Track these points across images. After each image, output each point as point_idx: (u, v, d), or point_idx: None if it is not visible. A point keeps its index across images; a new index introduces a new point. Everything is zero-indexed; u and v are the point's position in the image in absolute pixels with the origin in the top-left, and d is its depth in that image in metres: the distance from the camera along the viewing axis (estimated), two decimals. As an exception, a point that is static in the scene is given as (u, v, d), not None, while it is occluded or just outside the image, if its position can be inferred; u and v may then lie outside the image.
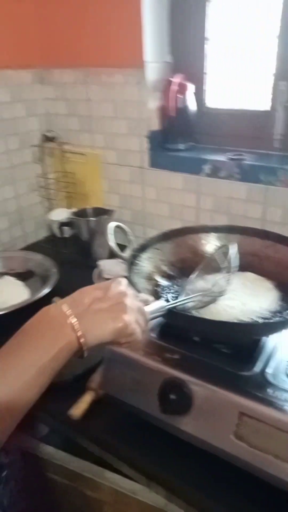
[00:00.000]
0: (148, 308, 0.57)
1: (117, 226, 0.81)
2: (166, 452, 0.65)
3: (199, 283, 0.73)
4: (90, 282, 1.14)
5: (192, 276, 0.75)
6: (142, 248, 0.80)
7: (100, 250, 1.25)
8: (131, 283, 0.68)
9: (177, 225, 0.91)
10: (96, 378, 0.75)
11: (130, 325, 0.50)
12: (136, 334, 0.51)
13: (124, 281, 0.55)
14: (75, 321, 0.47)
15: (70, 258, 1.29)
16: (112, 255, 0.98)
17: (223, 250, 0.75)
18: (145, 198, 1.30)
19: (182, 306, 0.66)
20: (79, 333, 0.47)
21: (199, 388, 0.61)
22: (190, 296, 0.68)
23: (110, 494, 0.70)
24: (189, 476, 0.61)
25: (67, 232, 1.33)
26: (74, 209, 1.32)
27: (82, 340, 0.47)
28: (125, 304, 0.51)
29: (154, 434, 0.66)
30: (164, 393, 0.63)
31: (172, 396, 0.62)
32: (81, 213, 1.30)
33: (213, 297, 0.71)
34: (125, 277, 0.59)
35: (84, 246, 1.27)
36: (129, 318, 0.50)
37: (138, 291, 0.63)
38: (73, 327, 0.47)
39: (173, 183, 1.21)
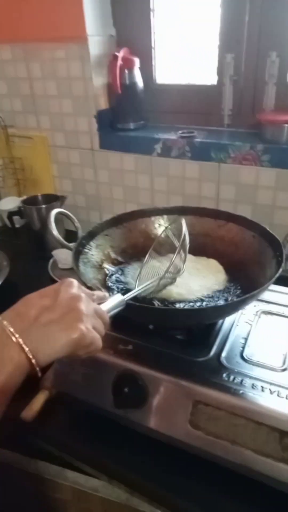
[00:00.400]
0: (106, 306, 0.52)
1: (61, 213, 0.76)
2: (125, 447, 0.62)
3: (154, 265, 0.70)
4: (45, 274, 1.10)
5: (145, 260, 0.72)
6: (90, 236, 0.75)
7: (54, 239, 1.19)
8: (79, 275, 0.64)
9: (133, 208, 0.87)
10: (50, 376, 0.71)
11: (88, 334, 0.44)
12: (95, 343, 0.46)
13: (74, 282, 0.49)
14: (21, 339, 0.41)
15: (23, 249, 1.23)
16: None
17: (174, 227, 0.73)
18: (98, 182, 1.24)
19: (142, 291, 0.62)
20: (28, 353, 0.41)
21: (153, 379, 0.59)
22: (147, 283, 0.64)
23: (72, 494, 0.68)
24: (149, 470, 0.59)
25: (18, 221, 1.26)
26: (24, 197, 1.25)
27: (33, 360, 0.41)
28: (79, 310, 0.45)
29: (111, 430, 0.64)
30: (118, 387, 0.60)
31: (127, 390, 0.59)
32: (32, 201, 1.23)
33: (171, 278, 0.68)
34: (72, 268, 0.54)
35: (37, 236, 1.21)
36: (85, 326, 0.44)
37: (91, 288, 0.58)
38: (20, 346, 0.41)
39: (125, 165, 1.16)
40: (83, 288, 0.50)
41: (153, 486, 0.59)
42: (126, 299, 0.56)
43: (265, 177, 0.96)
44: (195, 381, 0.57)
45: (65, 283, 0.49)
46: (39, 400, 0.68)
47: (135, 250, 0.80)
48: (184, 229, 0.67)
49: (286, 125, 0.92)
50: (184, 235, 0.66)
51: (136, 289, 0.61)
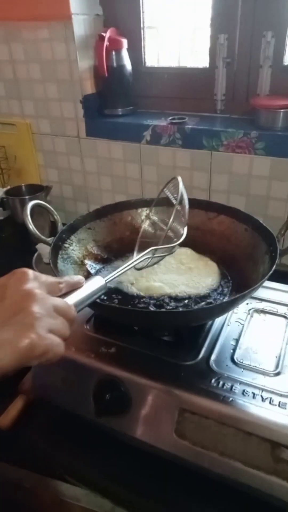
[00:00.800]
0: (78, 296, 0.43)
1: (39, 205, 0.70)
2: (106, 457, 0.59)
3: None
4: (29, 268, 1.05)
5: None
6: (71, 229, 0.70)
7: (39, 232, 1.14)
8: (57, 273, 0.59)
9: (122, 199, 0.82)
10: (28, 380, 0.66)
11: (40, 342, 0.35)
12: (52, 350, 0.36)
13: (28, 274, 0.39)
14: None
15: (6, 242, 1.18)
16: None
17: (171, 187, 0.64)
18: (85, 171, 1.19)
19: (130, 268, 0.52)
20: None
21: (136, 385, 0.54)
22: (139, 256, 0.53)
23: (53, 503, 0.64)
24: (132, 481, 0.56)
25: (1, 213, 1.20)
26: (8, 188, 1.19)
27: None
28: (30, 312, 0.36)
29: (93, 438, 0.60)
30: (99, 394, 0.56)
31: (108, 396, 0.55)
32: (15, 192, 1.18)
33: (168, 249, 0.57)
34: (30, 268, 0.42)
35: (21, 229, 1.15)
36: (38, 332, 0.35)
37: (60, 274, 0.50)
38: None
39: (113, 153, 1.10)
40: (44, 277, 0.41)
41: (137, 498, 0.55)
42: (107, 281, 0.46)
43: (259, 166, 0.91)
44: (182, 388, 0.53)
45: (15, 275, 0.39)
46: (16, 406, 0.65)
47: (120, 244, 0.75)
48: (181, 187, 0.58)
49: (281, 110, 0.87)
50: (182, 194, 0.57)
51: (124, 266, 0.50)
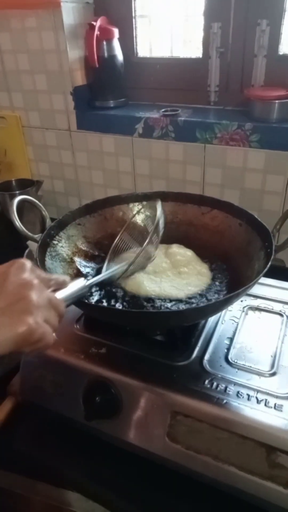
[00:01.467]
0: (64, 293, 0.45)
1: (26, 201, 0.68)
2: (98, 461, 0.57)
3: (125, 254, 0.64)
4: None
5: (114, 243, 0.65)
6: (60, 226, 0.68)
7: (29, 228, 1.11)
8: (42, 266, 0.57)
9: (114, 194, 0.79)
10: (17, 382, 0.64)
11: (37, 329, 0.38)
12: (45, 338, 0.39)
13: (27, 264, 0.42)
14: None
15: (-4, 238, 1.14)
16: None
17: (150, 210, 0.66)
18: (76, 165, 1.16)
19: (108, 278, 0.56)
20: None
21: (127, 387, 0.53)
22: (115, 268, 0.58)
23: (45, 509, 0.63)
24: (124, 485, 0.54)
25: (-9, 209, 1.17)
26: (-3, 182, 1.16)
27: None
28: (30, 301, 0.38)
29: (84, 442, 0.58)
30: (89, 396, 0.54)
31: (98, 399, 0.53)
32: (5, 187, 1.15)
33: (141, 264, 0.62)
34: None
35: (11, 225, 1.12)
36: (35, 320, 0.38)
37: (48, 271, 0.51)
38: None
39: (105, 146, 1.07)
40: (38, 271, 0.43)
41: (128, 503, 0.53)
42: (88, 284, 0.49)
43: (254, 159, 0.89)
44: (174, 389, 0.51)
45: (15, 264, 0.41)
46: (4, 408, 0.62)
47: (111, 241, 0.72)
48: (159, 213, 0.60)
49: (276, 101, 0.85)
50: (158, 220, 0.60)
51: (102, 274, 0.55)
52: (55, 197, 1.25)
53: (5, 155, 1.23)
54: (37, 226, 1.14)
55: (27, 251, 1.03)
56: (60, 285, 0.46)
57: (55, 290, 0.45)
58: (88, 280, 0.50)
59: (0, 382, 0.66)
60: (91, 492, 0.57)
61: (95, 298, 0.62)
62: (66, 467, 0.58)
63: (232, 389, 0.51)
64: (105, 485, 0.55)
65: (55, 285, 0.45)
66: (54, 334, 0.41)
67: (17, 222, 0.62)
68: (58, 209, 1.25)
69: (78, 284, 0.48)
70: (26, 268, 0.41)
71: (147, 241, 0.57)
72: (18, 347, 0.37)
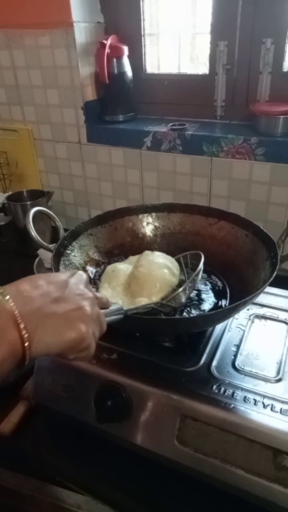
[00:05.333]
0: (105, 312, 0.47)
1: (41, 212, 0.71)
2: (107, 464, 0.59)
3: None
4: (30, 273, 1.04)
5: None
6: (73, 236, 0.71)
7: (40, 237, 1.14)
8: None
9: (122, 205, 0.82)
10: (29, 386, 0.66)
11: (87, 338, 0.40)
12: (90, 348, 0.41)
13: (84, 277, 0.45)
14: (21, 321, 0.36)
15: (7, 247, 1.18)
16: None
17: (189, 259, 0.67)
18: (86, 177, 1.19)
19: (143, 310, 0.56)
20: (25, 341, 0.36)
21: (138, 391, 0.54)
22: (150, 303, 0.58)
23: (53, 511, 0.64)
24: (133, 488, 0.56)
25: (3, 219, 1.21)
26: (9, 193, 1.20)
27: (27, 350, 0.36)
28: (85, 310, 0.41)
29: (94, 445, 0.60)
30: (100, 400, 0.56)
31: (110, 402, 0.55)
32: (17, 197, 1.18)
33: (170, 309, 0.60)
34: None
35: (22, 234, 1.16)
36: (87, 329, 0.40)
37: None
38: (20, 331, 0.36)
39: (114, 159, 1.11)
40: (90, 287, 0.46)
41: (137, 504, 0.55)
42: (125, 311, 0.50)
43: (259, 172, 0.91)
44: (183, 394, 0.53)
45: (75, 275, 0.45)
46: (17, 412, 0.64)
47: (121, 250, 0.75)
48: (201, 265, 0.61)
49: (281, 116, 0.88)
50: (199, 271, 0.60)
51: (140, 305, 0.56)
52: (64, 208, 1.28)
53: (17, 167, 1.27)
54: (46, 235, 1.17)
55: (37, 259, 1.06)
56: (103, 305, 0.47)
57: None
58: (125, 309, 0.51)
59: (13, 386, 0.69)
60: (101, 494, 0.58)
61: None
62: (75, 469, 0.60)
63: (239, 394, 0.53)
64: (114, 487, 0.57)
65: (99, 304, 0.46)
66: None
67: (33, 232, 0.65)
68: (68, 219, 1.29)
69: (117, 308, 0.49)
70: (84, 280, 0.45)
71: (181, 288, 0.58)
72: (65, 351, 0.39)
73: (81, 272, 0.46)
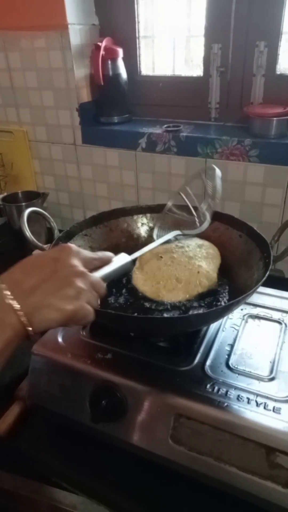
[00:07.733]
0: (108, 269, 0.50)
1: (36, 212, 0.71)
2: (103, 464, 0.59)
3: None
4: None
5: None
6: (68, 236, 0.71)
7: (35, 238, 1.14)
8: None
9: (118, 206, 0.83)
10: (24, 387, 0.67)
11: (80, 311, 0.44)
12: (86, 317, 0.46)
13: (73, 249, 0.47)
14: (18, 307, 0.41)
15: (3, 248, 1.18)
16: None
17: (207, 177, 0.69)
18: (81, 178, 1.19)
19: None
20: (24, 321, 0.41)
21: (132, 391, 0.55)
22: (167, 235, 0.61)
23: (49, 511, 0.64)
24: (128, 487, 0.56)
25: (-2, 220, 1.21)
26: (4, 194, 1.20)
27: (29, 329, 0.41)
28: (76, 287, 0.44)
29: (89, 445, 0.60)
30: (95, 400, 0.56)
31: (105, 402, 0.55)
32: (12, 198, 1.19)
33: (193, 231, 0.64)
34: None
35: (17, 235, 1.15)
36: (80, 303, 0.44)
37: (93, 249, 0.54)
38: (17, 314, 0.41)
39: (109, 160, 1.11)
40: (83, 252, 0.48)
41: (133, 504, 0.55)
42: (132, 259, 0.54)
43: (253, 173, 0.92)
44: (177, 393, 0.53)
45: (64, 251, 0.47)
46: (13, 412, 0.65)
47: (116, 251, 0.75)
48: (218, 174, 0.64)
49: (274, 119, 0.89)
50: (217, 181, 0.63)
51: (154, 243, 0.59)
52: (60, 209, 1.29)
53: (12, 168, 1.27)
54: (42, 236, 1.18)
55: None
56: (105, 262, 0.51)
57: (99, 267, 0.50)
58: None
59: (8, 387, 0.69)
60: (96, 494, 0.58)
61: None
62: (71, 469, 0.60)
63: (232, 393, 0.53)
64: (110, 487, 0.57)
65: (100, 263, 0.50)
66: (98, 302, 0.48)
67: (28, 233, 0.65)
68: (63, 220, 1.29)
69: (122, 259, 0.52)
70: (73, 252, 0.47)
71: (204, 204, 0.61)
72: (64, 324, 0.44)
73: (69, 245, 0.48)
